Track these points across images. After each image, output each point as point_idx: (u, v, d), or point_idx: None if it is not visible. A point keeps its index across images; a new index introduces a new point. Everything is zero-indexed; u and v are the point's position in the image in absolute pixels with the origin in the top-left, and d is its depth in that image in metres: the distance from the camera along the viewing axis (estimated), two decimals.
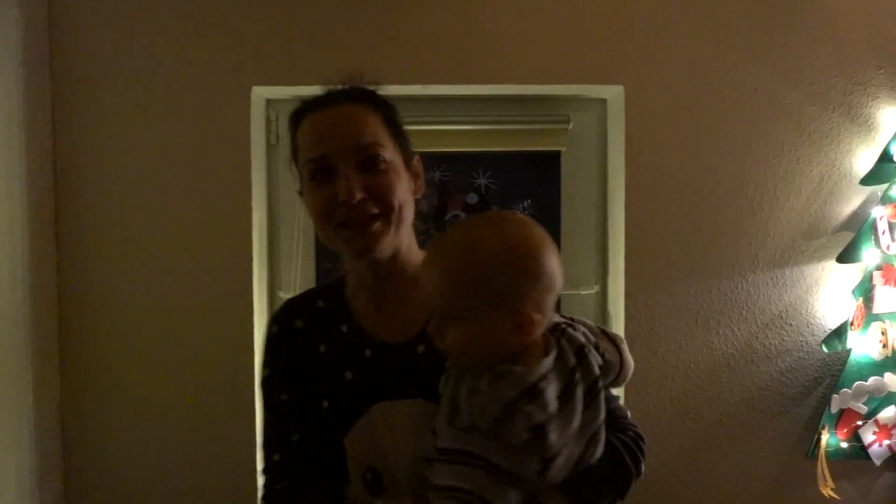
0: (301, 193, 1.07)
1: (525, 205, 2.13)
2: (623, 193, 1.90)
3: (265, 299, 1.98)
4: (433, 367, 0.97)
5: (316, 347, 1.04)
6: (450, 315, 0.90)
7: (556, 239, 2.04)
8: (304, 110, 1.05)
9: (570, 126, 2.01)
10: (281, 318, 1.09)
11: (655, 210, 1.90)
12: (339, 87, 1.06)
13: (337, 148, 0.98)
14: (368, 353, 1.02)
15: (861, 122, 1.91)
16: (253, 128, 1.88)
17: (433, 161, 2.08)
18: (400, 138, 1.07)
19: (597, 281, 2.07)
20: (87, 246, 1.85)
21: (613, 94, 1.96)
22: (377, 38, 1.84)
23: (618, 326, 1.97)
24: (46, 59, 1.82)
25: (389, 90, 1.90)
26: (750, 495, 1.95)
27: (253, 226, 1.86)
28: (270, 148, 2.01)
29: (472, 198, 2.09)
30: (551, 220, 2.08)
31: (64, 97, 1.84)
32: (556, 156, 2.06)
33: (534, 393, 0.85)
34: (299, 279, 2.00)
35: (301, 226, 2.00)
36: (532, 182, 2.14)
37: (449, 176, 2.09)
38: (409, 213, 1.03)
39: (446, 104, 1.99)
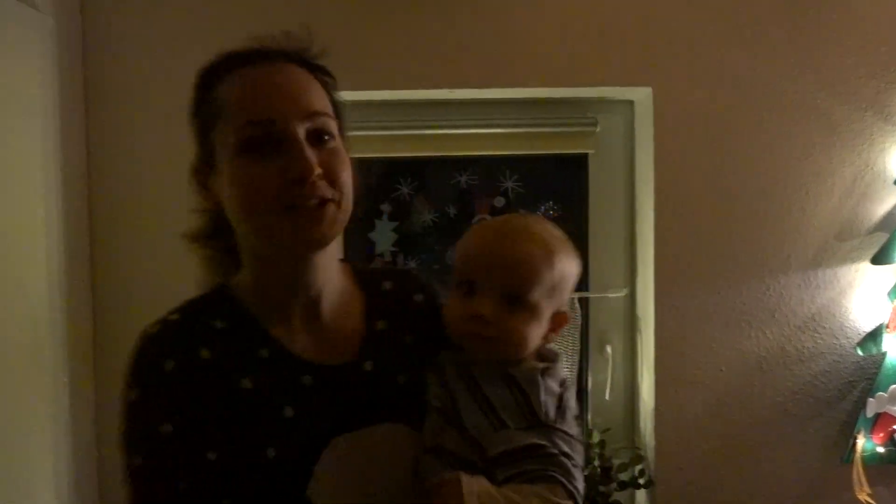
0: (204, 170, 0.86)
1: (552, 208, 2.12)
2: (652, 195, 1.88)
3: None
4: (385, 388, 0.88)
5: (236, 383, 0.81)
6: (520, 300, 0.86)
7: (584, 242, 2.04)
8: (231, 65, 0.84)
9: (598, 128, 1.99)
10: (176, 349, 0.81)
11: (685, 212, 1.87)
12: (273, 45, 0.88)
13: (289, 113, 0.79)
14: (307, 380, 0.85)
15: (895, 122, 1.88)
16: None
17: (460, 165, 2.08)
18: (341, 117, 0.90)
19: (625, 284, 2.04)
20: (121, 248, 1.87)
21: (641, 95, 1.94)
22: (403, 42, 1.84)
23: (647, 330, 1.95)
24: (79, 63, 1.84)
25: (416, 94, 1.94)
26: (784, 501, 1.92)
27: None
28: None
29: (499, 201, 2.08)
30: (578, 223, 2.06)
31: (97, 101, 1.86)
32: (583, 158, 2.04)
33: (568, 386, 0.89)
34: None
35: None
36: (559, 185, 2.12)
37: (475, 180, 2.09)
38: (351, 206, 0.85)
39: (473, 107, 1.98)
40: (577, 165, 2.05)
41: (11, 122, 1.59)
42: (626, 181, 2.04)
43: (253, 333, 0.85)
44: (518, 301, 0.86)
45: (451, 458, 0.82)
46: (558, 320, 0.91)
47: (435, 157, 2.04)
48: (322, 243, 0.83)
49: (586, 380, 2.06)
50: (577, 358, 1.97)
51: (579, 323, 1.97)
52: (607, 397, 2.02)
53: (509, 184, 2.09)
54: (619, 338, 2.05)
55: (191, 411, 0.79)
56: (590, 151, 2.02)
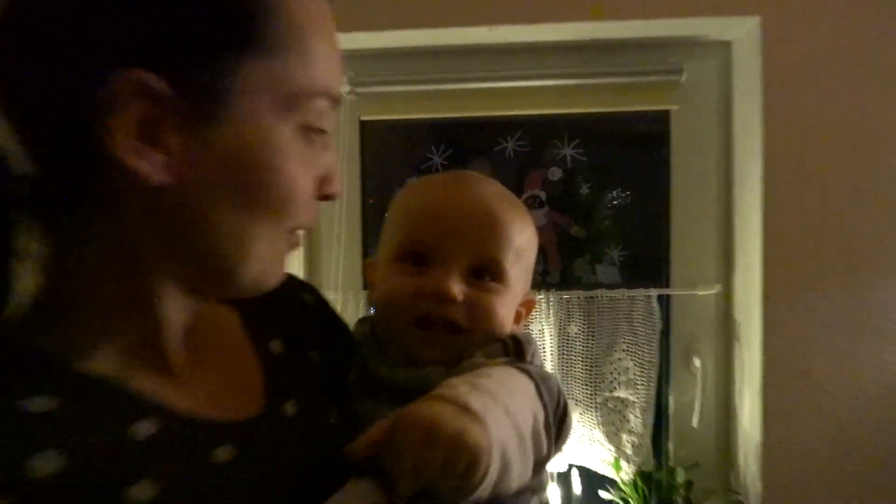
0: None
1: (622, 182, 1.68)
2: (759, 165, 1.42)
3: None
4: (321, 436, 0.67)
5: (118, 496, 0.48)
6: (492, 271, 0.73)
7: (663, 222, 1.60)
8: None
9: (684, 78, 1.56)
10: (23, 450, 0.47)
11: (803, 187, 1.41)
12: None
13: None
14: (225, 454, 0.56)
15: None
16: None
17: (505, 128, 1.67)
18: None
19: (719, 278, 1.60)
20: None
21: (743, 31, 1.49)
22: None
23: (749, 338, 1.50)
24: None
25: (446, 36, 1.54)
26: None
27: None
28: None
29: (555, 173, 1.66)
30: (657, 201, 1.64)
31: None
32: (663, 117, 1.61)
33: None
34: (341, 278, 1.63)
35: (342, 213, 1.63)
36: (632, 152, 1.70)
37: (525, 147, 1.67)
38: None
39: (520, 54, 1.58)
40: (655, 127, 1.63)
41: None
42: (721, 147, 1.60)
43: (112, 403, 0.53)
44: (490, 272, 0.73)
45: None
46: (527, 306, 0.79)
47: (473, 118, 1.66)
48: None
49: (667, 401, 1.65)
50: (654, 373, 1.57)
51: (658, 328, 1.56)
52: (695, 424, 1.59)
53: (568, 151, 1.66)
54: (710, 347, 1.62)
55: None
56: (672, 108, 1.60)
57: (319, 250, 1.66)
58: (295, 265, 1.59)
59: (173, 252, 0.55)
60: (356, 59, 1.60)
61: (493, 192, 0.76)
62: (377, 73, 1.59)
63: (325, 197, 0.61)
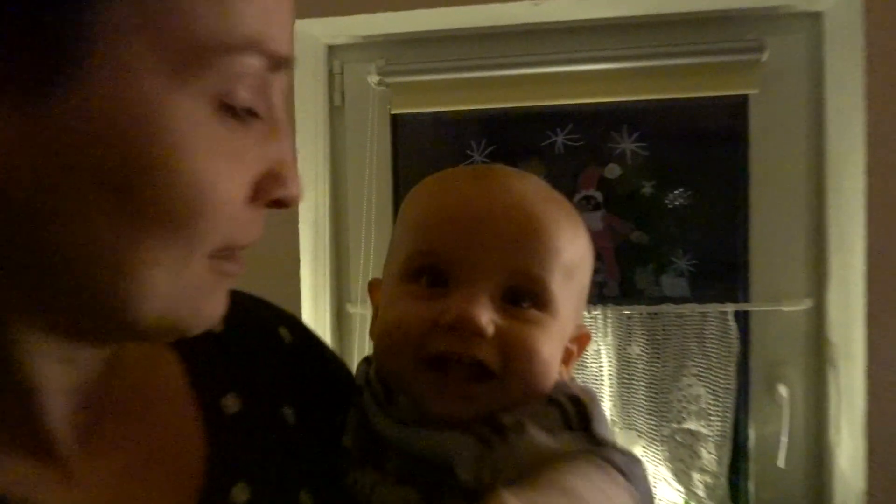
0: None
1: (689, 182, 1.47)
2: (861, 158, 1.19)
3: (328, 315, 1.46)
4: None
5: None
6: (534, 295, 0.55)
7: (743, 228, 1.39)
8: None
9: (765, 56, 1.33)
10: None
11: None
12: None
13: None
14: None
15: None
16: (307, 84, 1.37)
17: (555, 120, 1.47)
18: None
19: (809, 292, 1.37)
20: None
21: (834, 0, 1.26)
22: None
23: (849, 361, 1.27)
24: None
25: (486, 15, 1.36)
26: None
27: (302, 219, 1.35)
28: (334, 111, 1.50)
29: (613, 171, 1.46)
30: (733, 201, 1.42)
31: None
32: (741, 104, 1.39)
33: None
34: None
35: (371, 219, 1.47)
36: (703, 145, 1.47)
37: (578, 141, 1.47)
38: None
39: (570, 34, 1.40)
40: (731, 115, 1.41)
41: None
42: (810, 135, 1.37)
43: None
44: (531, 296, 0.55)
45: None
46: (580, 343, 0.61)
47: (519, 109, 1.46)
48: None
49: (746, 435, 1.42)
50: (730, 402, 1.35)
51: (735, 350, 1.34)
52: (781, 463, 1.36)
53: (627, 145, 1.45)
54: (798, 373, 1.39)
55: None
56: (752, 92, 1.37)
57: (347, 261, 1.50)
58: (313, 279, 1.43)
59: (28, 287, 0.38)
60: (384, 45, 1.45)
61: (532, 189, 0.58)
62: (409, 60, 1.43)
63: (274, 203, 0.43)
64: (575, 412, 0.53)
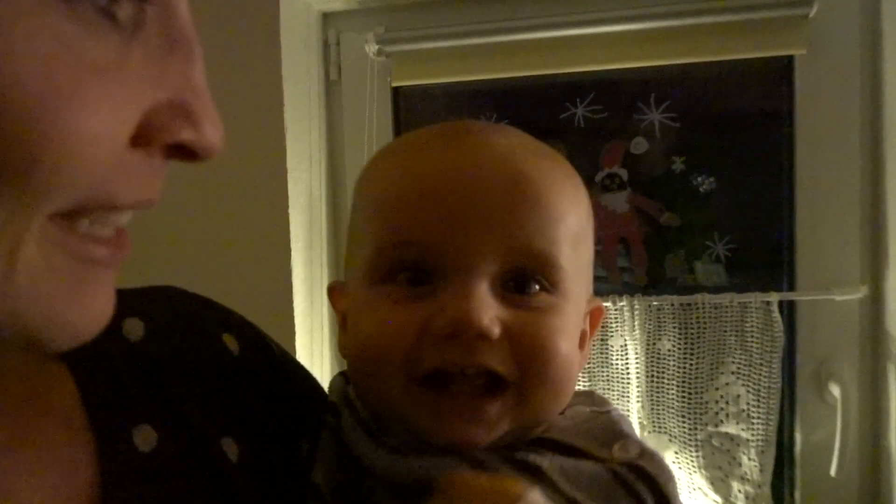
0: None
1: (729, 151, 1.32)
2: None
3: (324, 312, 1.34)
4: None
5: None
6: (543, 277, 0.45)
7: (788, 209, 1.24)
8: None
9: (813, 11, 1.17)
10: None
11: None
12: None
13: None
14: None
15: None
16: (299, 55, 1.24)
17: (574, 90, 1.33)
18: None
19: (864, 279, 1.23)
20: None
21: None
22: None
23: None
24: None
25: None
26: None
27: (293, 204, 1.22)
28: (330, 85, 1.37)
29: (640, 145, 1.31)
30: (776, 179, 1.27)
31: None
32: (785, 67, 1.25)
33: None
34: None
35: None
36: (742, 115, 1.32)
37: (600, 113, 1.32)
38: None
39: None
40: (774, 79, 1.27)
41: None
42: (864, 103, 1.22)
43: None
44: (538, 277, 0.45)
45: None
46: (594, 318, 0.52)
47: (533, 78, 1.33)
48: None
49: (792, 440, 1.29)
50: (774, 402, 1.22)
51: (780, 345, 1.21)
52: (833, 472, 1.23)
53: (655, 116, 1.30)
54: (852, 370, 1.26)
55: None
56: (798, 53, 1.22)
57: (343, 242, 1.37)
58: (307, 271, 1.31)
59: None
60: (383, 11, 1.32)
61: (517, 143, 0.47)
62: (410, 27, 1.30)
63: (177, 151, 0.32)
64: (650, 492, 0.42)
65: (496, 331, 0.42)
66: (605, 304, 1.11)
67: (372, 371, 0.45)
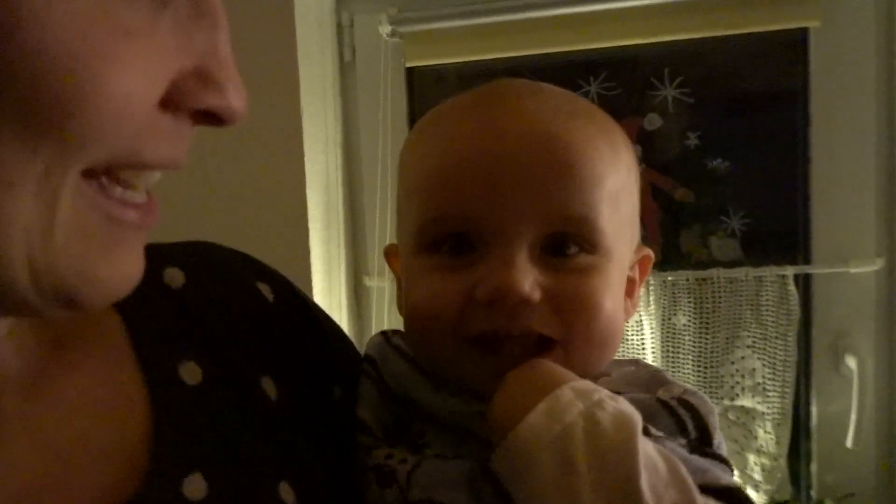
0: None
1: (744, 126, 1.31)
2: None
3: (343, 290, 1.35)
4: None
5: None
6: (584, 239, 0.46)
7: (803, 183, 1.24)
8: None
9: None
10: None
11: None
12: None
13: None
14: None
15: None
16: (314, 37, 1.25)
17: (587, 67, 1.33)
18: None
19: (880, 251, 1.23)
20: None
21: None
22: None
23: None
24: None
25: None
26: None
27: (310, 185, 1.24)
28: (344, 67, 1.37)
29: (653, 121, 1.31)
30: (791, 153, 1.27)
31: None
32: (800, 39, 1.24)
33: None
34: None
35: (387, 183, 1.35)
36: (756, 89, 1.31)
37: (614, 90, 1.32)
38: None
39: None
40: (788, 52, 1.25)
41: None
42: (880, 75, 1.21)
43: None
44: (577, 240, 0.46)
45: None
46: (643, 265, 0.53)
47: (546, 56, 1.32)
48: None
49: (808, 413, 1.29)
50: (790, 376, 1.22)
51: (796, 318, 1.21)
52: (849, 443, 1.23)
53: (669, 92, 1.30)
54: (868, 343, 1.25)
55: None
56: (812, 24, 1.21)
57: (363, 230, 1.39)
58: (325, 250, 1.32)
59: None
60: None
61: (551, 105, 0.47)
62: (423, 7, 1.30)
63: (204, 116, 0.33)
64: (693, 424, 0.44)
65: (537, 296, 0.44)
66: None
67: (425, 336, 0.47)
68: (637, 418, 0.39)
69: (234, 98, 0.33)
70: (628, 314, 0.50)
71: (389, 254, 0.55)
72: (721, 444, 0.46)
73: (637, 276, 0.52)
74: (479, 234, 0.45)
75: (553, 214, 0.45)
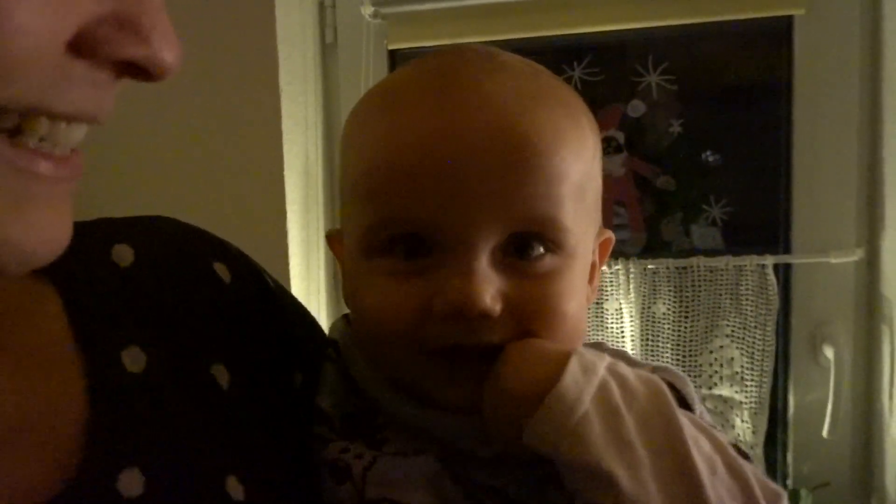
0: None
1: (726, 114, 1.31)
2: None
3: (322, 275, 1.34)
4: None
5: None
6: (544, 237, 0.43)
7: (785, 172, 1.23)
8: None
9: None
10: None
11: None
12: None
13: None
14: None
15: None
16: (295, 17, 1.23)
17: (571, 52, 1.32)
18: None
19: (859, 242, 1.23)
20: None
21: None
22: None
23: None
24: None
25: None
26: None
27: (288, 167, 1.22)
28: (325, 49, 1.36)
29: (637, 108, 1.30)
30: (773, 142, 1.26)
31: None
32: (784, 27, 1.23)
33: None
34: None
35: None
36: (739, 76, 1.31)
37: (597, 75, 1.31)
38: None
39: None
40: (772, 40, 1.25)
41: None
42: (864, 64, 1.20)
43: None
44: (540, 238, 0.43)
45: None
46: (603, 249, 0.51)
47: (529, 40, 1.31)
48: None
49: (786, 402, 1.29)
50: (769, 365, 1.22)
51: (775, 307, 1.21)
52: (826, 433, 1.23)
53: (653, 78, 1.29)
54: (846, 333, 1.25)
55: None
56: (796, 13, 1.20)
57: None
58: (303, 234, 1.31)
59: None
60: None
61: (512, 87, 0.43)
62: None
63: (125, 68, 0.30)
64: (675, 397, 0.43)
65: (498, 308, 0.41)
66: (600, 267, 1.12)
67: (379, 346, 0.44)
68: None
69: (161, 48, 0.30)
70: (589, 301, 0.48)
71: (332, 239, 0.51)
72: (704, 413, 0.45)
73: (597, 259, 0.50)
74: (436, 238, 0.42)
75: (516, 215, 0.41)
